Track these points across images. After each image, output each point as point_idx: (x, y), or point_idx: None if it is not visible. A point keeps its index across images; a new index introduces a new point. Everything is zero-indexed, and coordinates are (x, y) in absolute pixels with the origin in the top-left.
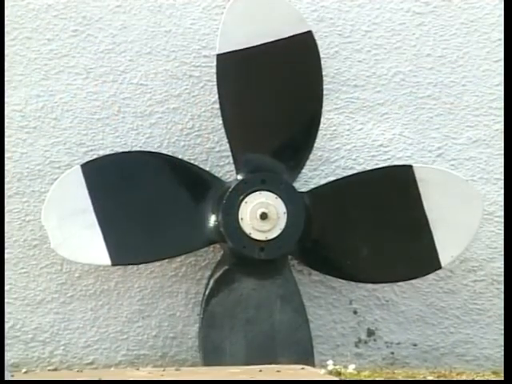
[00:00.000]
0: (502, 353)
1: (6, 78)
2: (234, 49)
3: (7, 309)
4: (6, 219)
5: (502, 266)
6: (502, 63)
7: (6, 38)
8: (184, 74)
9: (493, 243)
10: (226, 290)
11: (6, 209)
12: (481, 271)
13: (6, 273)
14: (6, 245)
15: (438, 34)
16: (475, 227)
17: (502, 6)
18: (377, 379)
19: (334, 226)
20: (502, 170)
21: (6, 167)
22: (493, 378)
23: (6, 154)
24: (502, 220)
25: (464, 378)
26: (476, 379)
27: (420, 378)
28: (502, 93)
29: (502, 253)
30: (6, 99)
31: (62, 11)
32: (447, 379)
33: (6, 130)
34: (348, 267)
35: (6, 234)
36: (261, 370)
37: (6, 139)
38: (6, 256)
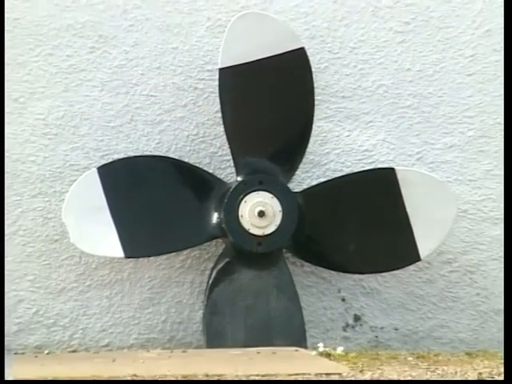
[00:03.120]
0: (475, 336)
1: (30, 91)
2: (234, 63)
3: (31, 296)
4: (30, 217)
5: (475, 258)
6: (474, 77)
7: (31, 54)
8: (189, 86)
9: (466, 238)
10: (227, 280)
11: (31, 207)
12: (455, 263)
13: (30, 265)
14: (29, 239)
15: (417, 50)
16: (450, 223)
17: (475, 25)
18: (376, 380)
19: (324, 223)
20: (474, 172)
21: (31, 169)
22: (466, 358)
23: (31, 158)
24: (475, 217)
25: (440, 358)
26: (469, 379)
27: (401, 358)
28: (475, 103)
29: (475, 246)
30: (30, 109)
31: (81, 30)
32: (437, 370)
33: (30, 136)
34: (337, 259)
35: (29, 230)
36: (258, 352)
37: (30, 145)
38: (30, 250)
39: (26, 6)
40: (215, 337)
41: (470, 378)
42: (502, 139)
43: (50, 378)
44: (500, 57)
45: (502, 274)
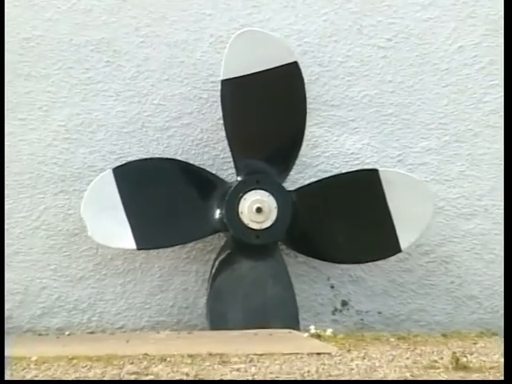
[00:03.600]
0: (449, 319)
1: (52, 100)
2: (234, 76)
3: (53, 284)
4: (53, 213)
5: (450, 249)
6: (448, 88)
7: (53, 68)
8: (195, 96)
9: (442, 231)
10: (229, 269)
11: (53, 204)
12: (432, 254)
13: (52, 256)
14: (52, 233)
15: (398, 64)
16: (428, 218)
17: (449, 42)
18: (379, 380)
19: (315, 218)
20: (449, 172)
21: (53, 170)
22: (442, 339)
23: (53, 160)
24: (450, 213)
25: (419, 339)
26: (469, 379)
27: (384, 339)
28: (449, 112)
29: (450, 239)
30: (53, 116)
31: (97, 46)
32: (416, 350)
33: (52, 141)
34: (326, 251)
35: (52, 225)
36: (256, 334)
37: (53, 148)
38: (52, 242)
39: (49, 24)
40: (217, 320)
41: (444, 357)
42: (474, 143)
43: (70, 357)
44: (471, 70)
45: (473, 264)
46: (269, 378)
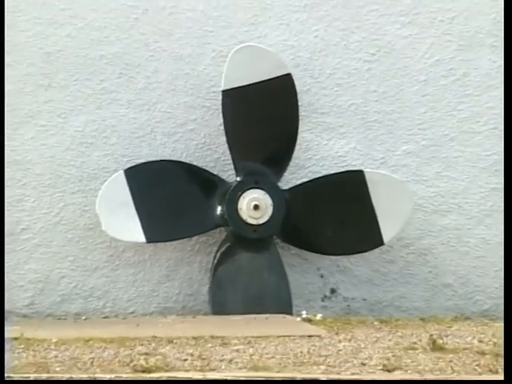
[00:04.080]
0: (427, 305)
1: (70, 108)
2: (233, 86)
3: (72, 273)
4: (71, 209)
5: (428, 242)
6: (427, 97)
7: (71, 79)
8: (198, 104)
9: (420, 226)
10: (229, 260)
11: (71, 202)
12: (412, 246)
13: (70, 248)
14: (70, 228)
15: (381, 76)
16: (408, 214)
17: (427, 56)
18: (382, 380)
19: (306, 215)
20: (427, 173)
21: (71, 172)
22: (420, 323)
23: (71, 162)
24: (427, 210)
25: (400, 323)
26: (469, 379)
27: (368, 323)
28: (427, 119)
29: (427, 233)
30: (71, 123)
31: (111, 60)
32: (397, 332)
33: (70, 145)
34: (317, 244)
35: (70, 220)
36: (253, 318)
37: (70, 152)
38: (70, 236)
39: (67, 40)
40: (219, 306)
41: (422, 339)
42: (449, 147)
43: (86, 339)
44: (447, 81)
45: (449, 255)
46: (265, 358)
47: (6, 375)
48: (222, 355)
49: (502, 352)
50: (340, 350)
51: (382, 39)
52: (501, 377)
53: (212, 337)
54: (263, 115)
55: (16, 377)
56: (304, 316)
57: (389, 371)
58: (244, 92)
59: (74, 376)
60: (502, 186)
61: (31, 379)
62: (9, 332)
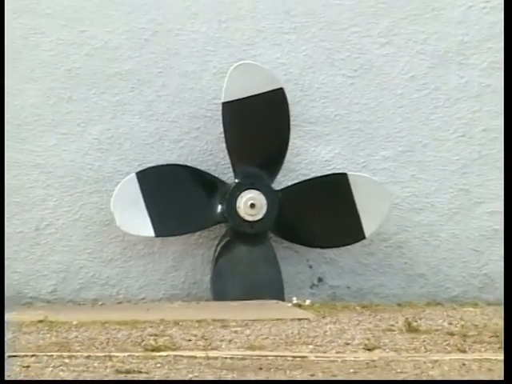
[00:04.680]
0: (403, 292)
1: (88, 118)
2: (232, 99)
3: (89, 264)
4: (89, 207)
5: (403, 237)
6: (402, 109)
7: (89, 93)
8: (201, 114)
9: (397, 222)
10: (228, 253)
11: (89, 201)
12: (390, 240)
13: (88, 242)
14: (88, 224)
15: (362, 89)
16: (386, 212)
17: (403, 72)
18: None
19: (297, 212)
20: (403, 176)
21: (89, 174)
22: (397, 308)
23: (88, 166)
24: (403, 208)
25: (379, 308)
26: (469, 379)
27: (351, 308)
28: (403, 128)
29: (403, 229)
30: (89, 131)
31: (124, 75)
32: (377, 316)
33: (88, 150)
34: (306, 238)
35: (88, 217)
36: (250, 304)
37: (89, 156)
38: (88, 231)
39: (86, 58)
40: (219, 293)
41: (399, 322)
42: (423, 153)
43: (103, 322)
44: (420, 95)
45: (422, 248)
46: (260, 338)
47: (32, 353)
48: (222, 336)
49: (469, 333)
50: (326, 332)
51: (363, 57)
52: (500, 377)
53: (213, 320)
54: (258, 124)
55: (40, 355)
56: (294, 302)
57: (369, 350)
58: (242, 104)
59: (91, 354)
60: (469, 187)
61: (33, 379)
62: (34, 316)
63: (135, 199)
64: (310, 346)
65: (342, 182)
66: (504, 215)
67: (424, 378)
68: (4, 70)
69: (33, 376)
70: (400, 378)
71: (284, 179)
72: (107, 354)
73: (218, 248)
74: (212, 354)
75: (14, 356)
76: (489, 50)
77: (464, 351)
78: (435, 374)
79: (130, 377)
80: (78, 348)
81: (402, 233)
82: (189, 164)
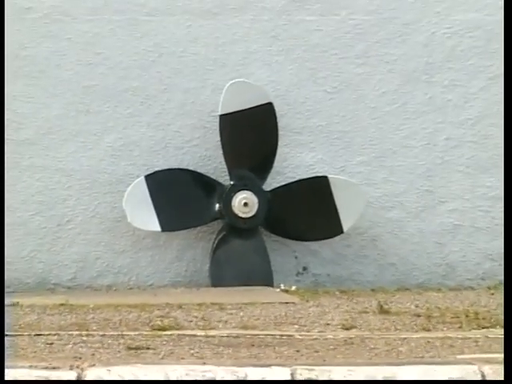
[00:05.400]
0: (376, 279)
1: (103, 128)
2: (228, 112)
3: (104, 255)
4: (103, 206)
5: (377, 231)
6: (375, 120)
7: (104, 106)
8: (201, 125)
9: (371, 219)
10: (225, 246)
11: (104, 200)
12: (365, 234)
13: (103, 236)
14: (103, 220)
15: (342, 104)
16: (361, 209)
17: (376, 88)
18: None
19: (284, 210)
20: (376, 178)
21: (104, 177)
22: (371, 293)
23: (104, 170)
24: (376, 206)
25: (355, 293)
26: (469, 379)
27: (331, 293)
28: (376, 137)
29: (376, 224)
30: (104, 140)
31: (135, 91)
32: (353, 300)
33: (103, 156)
34: (293, 233)
35: (103, 214)
36: (244, 289)
37: (103, 161)
38: (103, 227)
39: (101, 77)
40: (217, 281)
41: (372, 305)
42: (393, 158)
43: (116, 305)
44: (391, 108)
45: (393, 241)
46: (252, 319)
47: (55, 332)
48: (220, 317)
49: (433, 314)
50: (309, 314)
51: (341, 76)
52: (500, 377)
53: (212, 303)
54: (251, 134)
55: (62, 333)
56: (282, 288)
57: (347, 329)
58: (236, 116)
59: (106, 333)
60: (433, 188)
61: (35, 377)
62: (56, 300)
63: (144, 199)
64: (296, 326)
65: (324, 183)
66: (504, 215)
67: (394, 354)
68: (4, 72)
69: (56, 352)
70: (373, 353)
71: (273, 181)
72: (120, 332)
73: (216, 241)
74: (211, 332)
75: (40, 335)
76: (450, 69)
77: (429, 330)
78: (404, 350)
79: (139, 352)
80: (95, 327)
81: (375, 228)
82: (190, 168)
